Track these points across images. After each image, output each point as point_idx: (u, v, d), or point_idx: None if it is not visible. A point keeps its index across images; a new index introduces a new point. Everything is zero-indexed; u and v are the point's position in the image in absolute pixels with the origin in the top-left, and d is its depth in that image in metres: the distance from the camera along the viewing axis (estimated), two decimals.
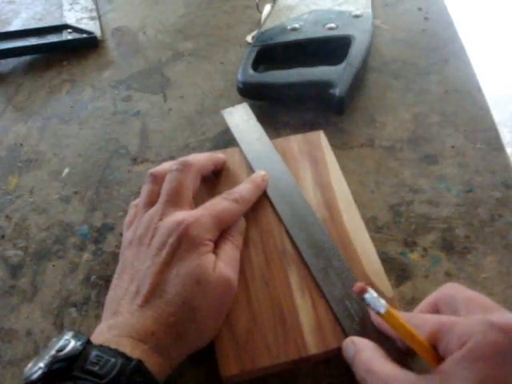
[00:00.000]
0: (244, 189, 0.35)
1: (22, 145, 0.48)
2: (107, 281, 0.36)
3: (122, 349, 0.25)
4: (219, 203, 0.33)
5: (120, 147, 0.47)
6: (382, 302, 0.26)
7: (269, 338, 0.30)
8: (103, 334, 0.27)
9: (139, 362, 0.25)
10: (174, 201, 0.32)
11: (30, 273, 0.37)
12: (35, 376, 0.23)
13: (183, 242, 0.30)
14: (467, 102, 0.46)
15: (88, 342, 0.25)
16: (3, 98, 0.54)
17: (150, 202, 0.34)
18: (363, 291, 0.26)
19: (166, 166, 0.36)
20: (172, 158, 0.45)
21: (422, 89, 0.48)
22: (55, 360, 0.24)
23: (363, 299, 0.26)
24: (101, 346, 0.25)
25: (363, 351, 0.27)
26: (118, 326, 0.27)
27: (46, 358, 0.24)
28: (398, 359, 0.26)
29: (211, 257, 0.30)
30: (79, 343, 0.25)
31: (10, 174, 0.45)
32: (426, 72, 0.50)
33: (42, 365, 0.24)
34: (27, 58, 0.59)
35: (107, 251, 0.38)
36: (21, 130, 0.50)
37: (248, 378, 0.29)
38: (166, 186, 0.33)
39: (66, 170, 0.45)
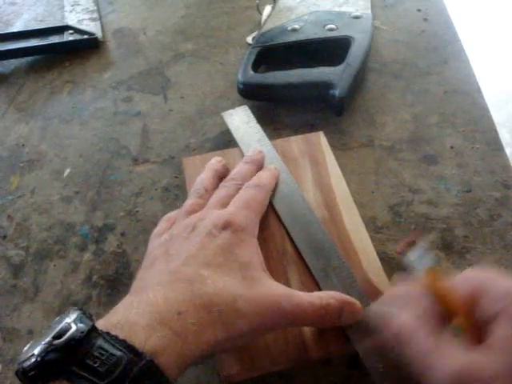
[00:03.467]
0: (258, 174, 0.34)
1: (23, 145, 0.48)
2: (108, 280, 0.36)
3: (133, 336, 0.22)
4: (243, 194, 0.32)
5: (121, 148, 0.47)
6: (430, 255, 0.24)
7: (269, 338, 0.30)
8: (116, 313, 0.24)
9: (150, 362, 0.21)
10: (222, 207, 0.31)
11: (31, 272, 0.38)
12: (28, 364, 0.20)
13: (227, 231, 0.28)
14: (466, 102, 0.46)
15: (93, 329, 0.22)
16: (5, 98, 0.54)
17: (192, 212, 0.32)
18: (411, 245, 0.24)
19: (207, 180, 0.35)
20: (172, 158, 0.45)
21: (422, 89, 0.48)
22: (50, 348, 0.20)
23: (406, 258, 0.24)
24: (108, 333, 0.22)
25: (399, 316, 0.24)
26: (138, 303, 0.24)
27: (42, 344, 0.21)
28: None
29: (260, 257, 0.29)
30: (81, 330, 0.21)
31: (11, 174, 0.46)
32: (425, 73, 0.50)
33: (36, 352, 0.21)
34: (29, 58, 0.59)
35: (108, 251, 0.38)
36: (22, 130, 0.50)
37: (248, 377, 0.29)
38: (216, 198, 0.33)
39: (68, 171, 0.45)
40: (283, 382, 0.30)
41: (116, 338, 0.21)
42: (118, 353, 0.21)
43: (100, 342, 0.21)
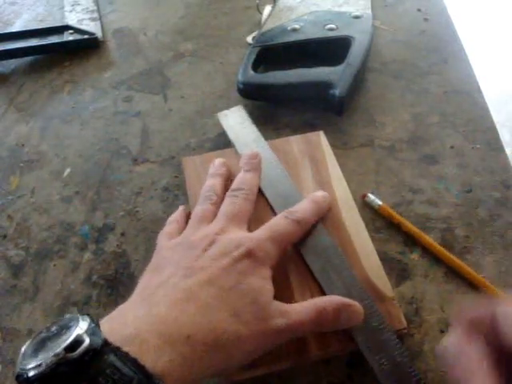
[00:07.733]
0: (307, 209, 0.33)
1: (23, 145, 0.48)
2: (108, 280, 0.36)
3: (144, 356, 0.22)
4: (280, 224, 0.32)
5: (121, 147, 0.47)
6: None
7: None
8: (126, 325, 0.23)
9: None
10: (236, 221, 0.32)
11: (31, 272, 0.38)
12: (34, 373, 0.20)
13: (247, 259, 0.28)
14: (466, 102, 0.46)
15: (105, 343, 0.21)
16: (5, 98, 0.54)
17: (205, 219, 0.33)
18: None
19: (217, 186, 0.35)
20: (173, 158, 0.45)
21: (422, 89, 0.48)
22: (62, 361, 0.20)
23: None
24: (118, 349, 0.21)
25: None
26: (148, 317, 0.24)
27: (51, 354, 0.20)
28: None
29: (271, 287, 0.28)
30: (95, 345, 0.20)
31: (11, 174, 0.46)
32: (425, 72, 0.50)
33: (44, 362, 0.20)
34: (29, 58, 0.59)
35: (108, 251, 0.38)
36: (22, 130, 0.50)
37: (248, 377, 0.29)
38: (228, 208, 0.33)
39: (67, 170, 0.45)
40: (283, 382, 0.30)
41: (127, 355, 0.21)
42: (130, 373, 0.20)
43: (112, 358, 0.21)
